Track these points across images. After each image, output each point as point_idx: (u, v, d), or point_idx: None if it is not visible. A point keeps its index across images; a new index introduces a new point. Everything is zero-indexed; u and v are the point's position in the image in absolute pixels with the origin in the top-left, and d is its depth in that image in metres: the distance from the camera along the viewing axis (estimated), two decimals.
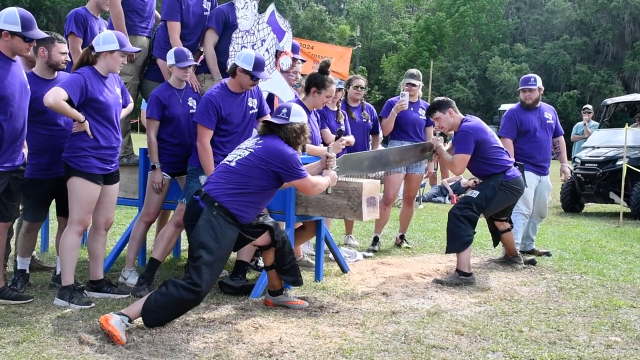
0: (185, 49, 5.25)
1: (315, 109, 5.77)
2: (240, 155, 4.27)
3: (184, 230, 4.92)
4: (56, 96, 4.26)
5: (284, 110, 4.37)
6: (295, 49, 6.08)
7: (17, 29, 4.09)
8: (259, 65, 4.88)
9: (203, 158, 4.89)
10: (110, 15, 5.87)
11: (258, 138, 4.36)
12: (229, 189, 4.16)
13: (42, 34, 4.33)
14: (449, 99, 6.01)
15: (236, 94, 4.98)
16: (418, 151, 6.14)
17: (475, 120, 5.90)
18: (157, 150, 5.17)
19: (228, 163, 4.29)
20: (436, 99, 6.08)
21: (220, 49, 5.72)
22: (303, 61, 6.43)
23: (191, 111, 5.20)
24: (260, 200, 4.29)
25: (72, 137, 4.54)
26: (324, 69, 5.57)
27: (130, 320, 3.87)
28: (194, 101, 5.25)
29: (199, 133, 4.92)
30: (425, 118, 7.11)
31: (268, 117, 4.49)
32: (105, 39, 4.54)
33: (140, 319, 3.98)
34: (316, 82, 5.55)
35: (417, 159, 6.36)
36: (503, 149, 5.94)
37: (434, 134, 6.71)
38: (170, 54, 5.16)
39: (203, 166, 4.90)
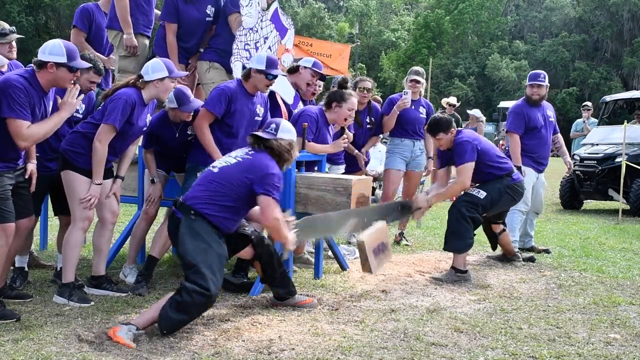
0: (185, 89, 5.03)
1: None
2: (227, 162, 4.16)
3: None
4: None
5: (273, 126, 4.24)
6: (317, 67, 5.90)
7: (63, 59, 4.08)
8: (271, 63, 4.94)
9: (204, 142, 4.90)
10: (109, 10, 5.88)
11: (249, 149, 4.23)
12: (207, 198, 4.06)
13: (86, 64, 4.37)
14: (449, 117, 5.82)
15: (249, 95, 5.03)
16: (398, 210, 5.77)
17: (468, 132, 5.91)
18: (154, 165, 5.19)
19: (212, 169, 4.18)
20: (438, 117, 5.80)
21: (222, 46, 5.70)
22: (322, 79, 6.11)
23: (189, 138, 5.16)
24: (237, 210, 4.14)
25: (76, 133, 4.57)
26: (343, 84, 5.63)
27: (137, 329, 3.80)
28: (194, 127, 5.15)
29: (201, 116, 4.92)
30: (425, 117, 7.09)
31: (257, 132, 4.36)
32: (154, 67, 4.54)
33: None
34: (336, 96, 5.62)
35: (396, 218, 5.93)
36: (502, 154, 5.97)
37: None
38: (171, 98, 4.92)
39: (205, 148, 4.90)
